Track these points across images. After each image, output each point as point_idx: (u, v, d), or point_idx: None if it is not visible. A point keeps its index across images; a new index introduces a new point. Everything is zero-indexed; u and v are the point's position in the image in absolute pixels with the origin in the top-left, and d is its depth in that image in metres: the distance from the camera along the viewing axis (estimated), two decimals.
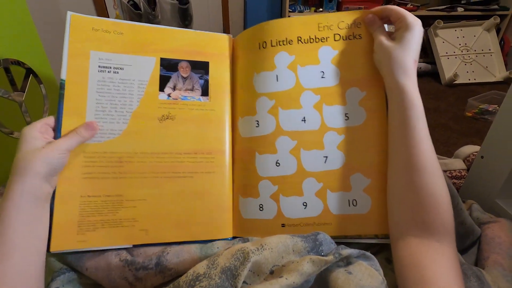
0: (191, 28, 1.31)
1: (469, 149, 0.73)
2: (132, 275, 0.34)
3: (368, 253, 0.29)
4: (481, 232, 0.41)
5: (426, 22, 1.82)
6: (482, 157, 0.53)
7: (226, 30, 1.83)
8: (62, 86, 0.37)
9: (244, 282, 0.27)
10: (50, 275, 0.35)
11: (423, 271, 0.28)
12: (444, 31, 1.76)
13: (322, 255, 0.29)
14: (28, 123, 0.57)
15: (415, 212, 0.31)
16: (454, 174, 0.66)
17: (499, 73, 1.72)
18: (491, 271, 0.35)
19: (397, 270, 0.31)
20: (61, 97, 0.37)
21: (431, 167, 0.32)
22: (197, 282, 0.26)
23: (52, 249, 0.34)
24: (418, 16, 0.37)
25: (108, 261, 0.35)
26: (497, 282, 0.33)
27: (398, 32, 0.37)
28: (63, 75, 0.38)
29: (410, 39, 0.35)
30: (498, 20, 1.72)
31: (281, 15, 1.91)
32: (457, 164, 0.69)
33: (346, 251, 0.28)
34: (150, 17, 1.40)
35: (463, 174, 0.67)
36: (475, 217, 0.45)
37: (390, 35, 0.38)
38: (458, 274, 0.28)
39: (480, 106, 1.33)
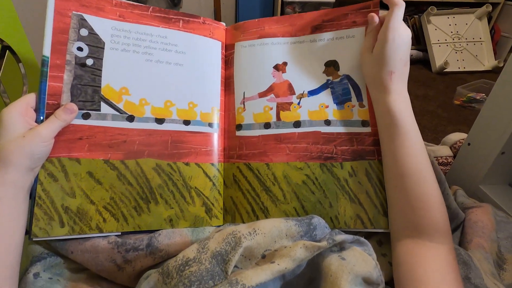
0: (180, 8, 1.25)
1: (456, 137, 0.74)
2: (121, 257, 0.33)
3: (362, 239, 0.30)
4: (465, 217, 0.42)
5: (420, 8, 1.80)
6: (469, 144, 0.54)
7: (217, 11, 1.76)
8: (45, 63, 0.35)
9: (235, 266, 0.27)
10: (28, 259, 0.34)
11: (415, 269, 0.29)
12: (437, 18, 1.75)
13: (316, 240, 0.29)
14: (6, 104, 0.54)
15: (405, 214, 0.33)
16: (440, 160, 0.67)
17: (488, 62, 1.74)
18: (474, 253, 0.36)
19: (393, 268, 0.32)
20: (44, 75, 0.34)
21: (418, 173, 0.33)
22: (187, 267, 0.26)
23: (34, 237, 0.33)
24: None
25: (95, 244, 0.33)
26: (480, 264, 0.34)
27: (376, 46, 0.36)
28: (47, 51, 0.35)
29: (386, 52, 0.35)
30: (490, 8, 1.72)
31: None
32: (444, 151, 0.70)
33: (340, 236, 0.28)
34: None
35: (449, 160, 0.68)
36: (459, 202, 0.46)
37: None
38: (451, 272, 0.29)
39: (468, 95, 1.35)
